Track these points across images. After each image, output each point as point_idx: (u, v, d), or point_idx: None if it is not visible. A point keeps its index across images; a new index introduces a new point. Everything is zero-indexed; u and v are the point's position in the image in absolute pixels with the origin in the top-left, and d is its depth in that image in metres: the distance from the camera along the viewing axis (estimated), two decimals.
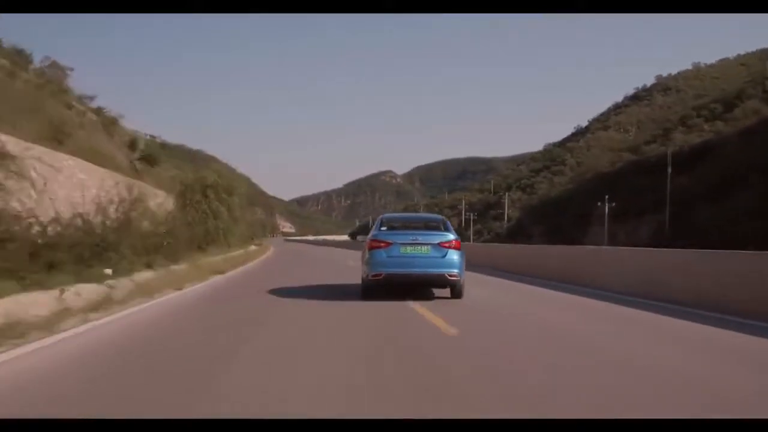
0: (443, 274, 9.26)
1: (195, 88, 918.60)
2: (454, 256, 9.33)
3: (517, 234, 77.34)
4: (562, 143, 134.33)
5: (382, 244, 9.36)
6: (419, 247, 9.30)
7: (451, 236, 9.58)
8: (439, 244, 9.35)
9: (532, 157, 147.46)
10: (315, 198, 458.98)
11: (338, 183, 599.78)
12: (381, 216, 11.24)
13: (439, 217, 12.06)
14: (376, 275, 9.26)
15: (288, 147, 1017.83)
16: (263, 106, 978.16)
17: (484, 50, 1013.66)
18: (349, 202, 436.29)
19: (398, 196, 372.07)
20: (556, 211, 71.43)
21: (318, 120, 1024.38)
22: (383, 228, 10.11)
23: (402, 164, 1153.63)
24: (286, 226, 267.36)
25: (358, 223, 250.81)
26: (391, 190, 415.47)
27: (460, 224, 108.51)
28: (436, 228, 10.32)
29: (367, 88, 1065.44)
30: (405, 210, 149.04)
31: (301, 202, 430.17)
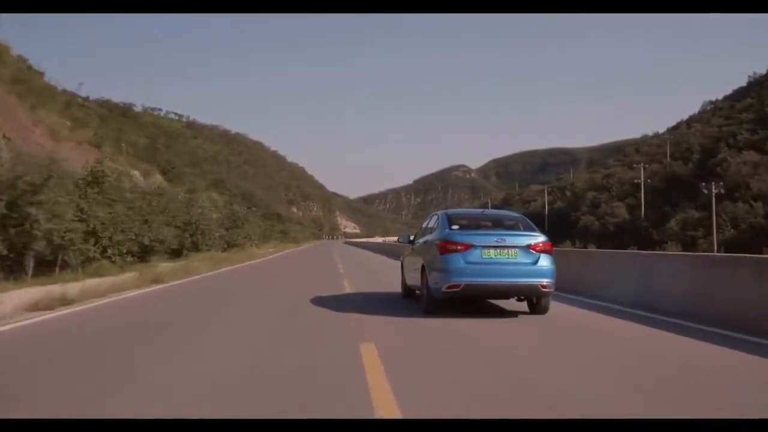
0: (536, 285, 7.52)
1: (261, 81, 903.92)
2: (546, 261, 7.60)
3: None
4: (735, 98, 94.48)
5: (460, 247, 7.57)
6: (506, 251, 7.56)
7: (542, 237, 7.83)
8: (528, 246, 7.62)
9: (690, 119, 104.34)
10: (382, 196, 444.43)
11: (407, 179, 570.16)
12: (443, 212, 8.93)
13: (516, 214, 10.03)
14: (452, 286, 7.50)
15: (354, 143, 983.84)
16: (327, 101, 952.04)
17: (559, 39, 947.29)
18: (419, 200, 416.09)
19: (472, 191, 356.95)
20: None
21: (386, 114, 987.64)
22: (454, 227, 8.14)
23: (476, 158, 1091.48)
24: (349, 226, 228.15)
25: None
26: (465, 185, 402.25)
27: (630, 211, 63.35)
28: (516, 227, 8.36)
29: (438, 79, 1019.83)
30: (505, 202, 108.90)
31: (368, 200, 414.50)
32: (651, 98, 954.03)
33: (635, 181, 59.06)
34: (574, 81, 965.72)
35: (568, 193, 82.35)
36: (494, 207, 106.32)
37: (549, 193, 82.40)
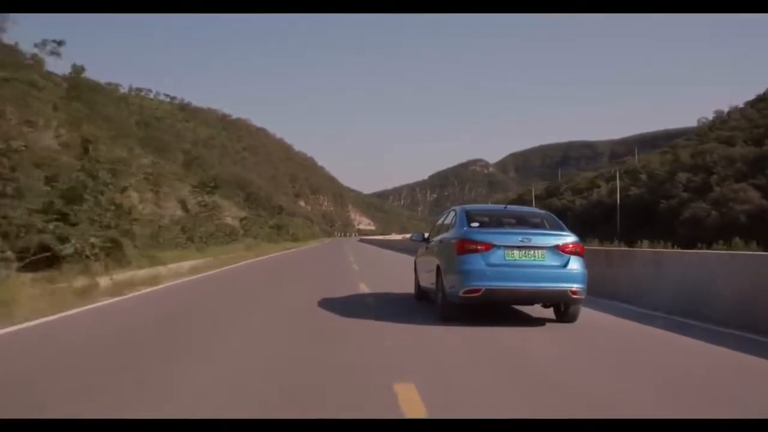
0: (565, 291, 6.61)
1: (275, 71, 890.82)
2: (576, 264, 6.69)
3: None
4: None
5: (480, 247, 6.63)
6: (532, 252, 6.60)
7: (572, 237, 6.87)
8: (556, 247, 6.68)
9: None
10: (397, 191, 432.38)
11: (423, 175, 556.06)
12: (461, 208, 7.91)
13: (542, 211, 8.77)
14: (471, 290, 6.56)
15: (367, 135, 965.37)
16: (338, 92, 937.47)
17: (578, 35, 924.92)
18: (435, 195, 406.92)
19: (491, 186, 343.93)
20: None
21: (399, 106, 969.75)
22: (474, 224, 7.19)
23: (494, 152, 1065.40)
24: (364, 222, 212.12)
25: None
26: (483, 180, 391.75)
27: None
28: (542, 225, 7.48)
29: (453, 72, 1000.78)
30: (550, 193, 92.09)
31: (382, 196, 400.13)
32: (670, 91, 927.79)
33: None
34: (589, 75, 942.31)
35: (642, 176, 64.78)
36: (536, 198, 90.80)
37: (619, 179, 64.52)
